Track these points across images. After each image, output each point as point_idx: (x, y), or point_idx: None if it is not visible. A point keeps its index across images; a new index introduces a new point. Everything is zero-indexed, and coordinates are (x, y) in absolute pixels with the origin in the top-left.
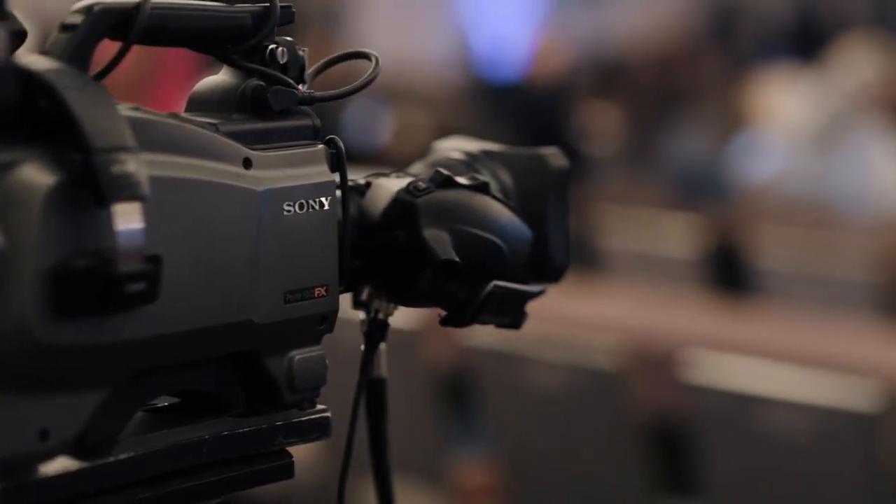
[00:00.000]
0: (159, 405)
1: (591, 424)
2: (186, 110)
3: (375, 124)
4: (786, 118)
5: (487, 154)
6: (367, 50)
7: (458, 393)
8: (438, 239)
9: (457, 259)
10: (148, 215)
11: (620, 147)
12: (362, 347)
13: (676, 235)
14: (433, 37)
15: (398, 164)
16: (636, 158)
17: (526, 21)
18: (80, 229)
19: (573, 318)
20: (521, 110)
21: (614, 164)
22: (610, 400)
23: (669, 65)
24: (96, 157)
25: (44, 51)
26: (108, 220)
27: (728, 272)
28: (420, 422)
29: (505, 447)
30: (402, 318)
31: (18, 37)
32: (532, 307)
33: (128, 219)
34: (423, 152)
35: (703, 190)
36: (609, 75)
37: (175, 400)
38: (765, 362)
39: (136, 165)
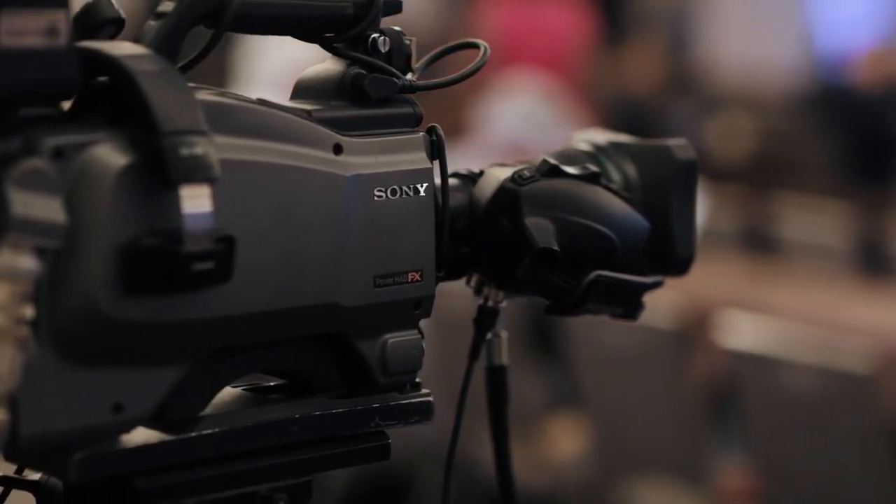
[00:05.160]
0: (263, 385)
1: (843, 428)
2: (291, 97)
3: (700, 126)
4: None
5: (615, 146)
6: (477, 40)
7: (721, 396)
8: (539, 227)
9: (555, 247)
10: (222, 197)
11: None
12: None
13: None
14: (781, 40)
15: (719, 168)
16: None
17: (872, 26)
18: (151, 210)
19: (843, 322)
20: (849, 115)
21: None
22: (861, 403)
23: None
24: (165, 139)
25: (135, 38)
26: (177, 202)
27: None
28: (685, 425)
29: (763, 450)
30: None
31: (115, 24)
32: (803, 311)
33: (196, 201)
34: (746, 156)
35: None
36: None
37: (280, 381)
38: None
39: (206, 148)
